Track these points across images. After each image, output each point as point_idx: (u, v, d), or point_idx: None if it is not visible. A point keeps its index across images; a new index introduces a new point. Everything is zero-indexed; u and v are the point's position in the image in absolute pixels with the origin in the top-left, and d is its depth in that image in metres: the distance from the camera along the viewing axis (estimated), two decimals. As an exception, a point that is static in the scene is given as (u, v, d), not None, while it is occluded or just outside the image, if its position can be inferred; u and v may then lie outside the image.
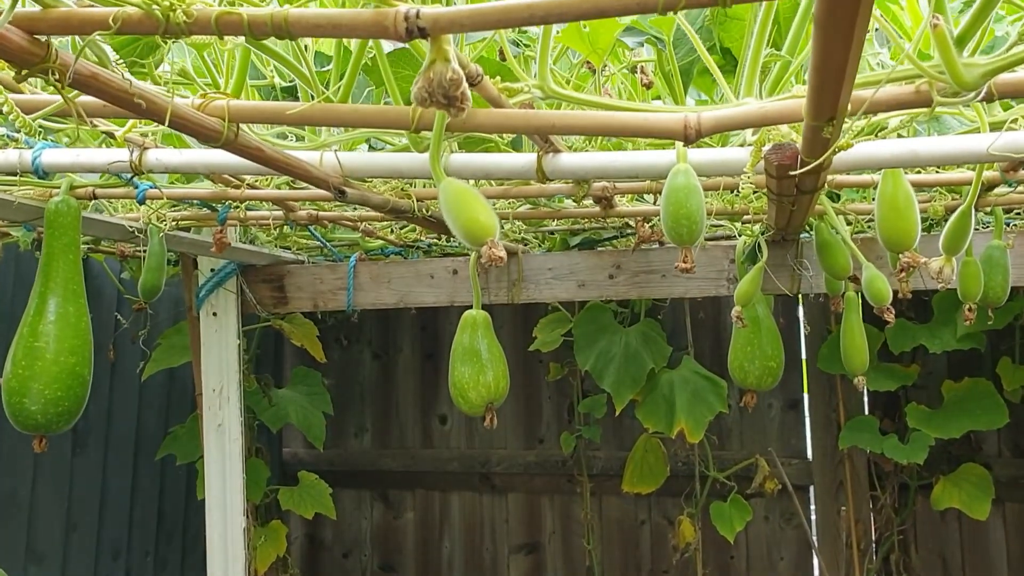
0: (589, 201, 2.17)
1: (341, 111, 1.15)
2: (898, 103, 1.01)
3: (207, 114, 1.16)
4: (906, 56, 0.92)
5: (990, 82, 1.00)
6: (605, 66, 1.98)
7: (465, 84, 0.79)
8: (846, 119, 1.15)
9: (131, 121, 1.42)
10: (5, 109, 0.95)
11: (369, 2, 0.81)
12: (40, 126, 1.67)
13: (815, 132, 0.96)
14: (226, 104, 1.16)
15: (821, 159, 0.95)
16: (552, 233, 2.99)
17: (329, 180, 1.48)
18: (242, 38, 1.21)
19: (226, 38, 1.22)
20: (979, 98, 0.97)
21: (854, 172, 1.69)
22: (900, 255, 1.51)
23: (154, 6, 0.82)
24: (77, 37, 0.99)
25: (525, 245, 3.00)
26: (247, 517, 2.87)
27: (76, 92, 0.96)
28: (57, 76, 0.88)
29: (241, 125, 1.35)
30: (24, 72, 0.86)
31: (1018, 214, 2.57)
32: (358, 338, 5.15)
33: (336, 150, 1.52)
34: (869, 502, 4.24)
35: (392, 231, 2.76)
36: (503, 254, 1.03)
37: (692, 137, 1.07)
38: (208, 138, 1.17)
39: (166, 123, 0.99)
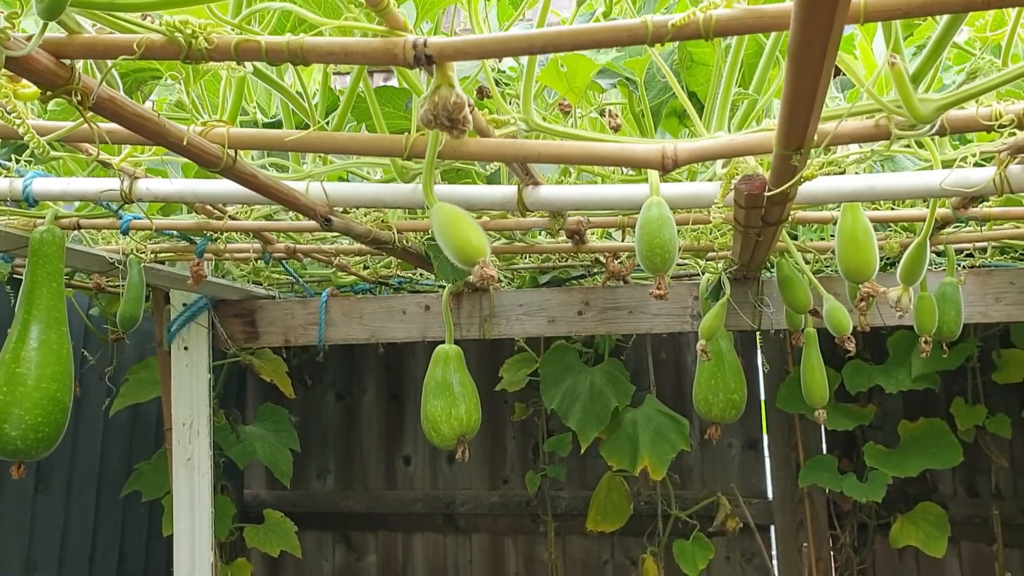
0: (563, 238, 2.25)
1: (339, 138, 1.22)
2: (860, 136, 1.10)
3: (209, 140, 1.22)
4: (867, 91, 1.01)
5: (943, 118, 1.09)
6: (575, 108, 2.08)
7: (467, 108, 0.86)
8: (812, 151, 1.23)
9: (126, 150, 1.47)
10: (21, 131, 0.99)
11: (376, 32, 0.87)
12: (32, 156, 1.71)
13: (784, 161, 1.04)
14: (226, 131, 1.21)
15: (789, 183, 1.03)
16: (521, 271, 3.06)
17: (316, 209, 1.53)
18: (238, 70, 1.28)
19: (225, 71, 1.29)
20: (933, 131, 1.06)
21: (814, 208, 1.78)
22: (860, 285, 1.60)
23: (177, 33, 0.88)
24: (93, 66, 1.05)
25: (498, 282, 3.07)
26: (215, 552, 2.87)
27: (92, 115, 1.01)
28: (79, 98, 0.93)
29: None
30: (49, 93, 0.91)
31: (969, 255, 2.69)
32: (322, 379, 5.16)
33: (322, 180, 1.58)
34: (829, 541, 4.32)
35: (366, 267, 2.81)
36: (495, 273, 1.09)
37: (669, 166, 1.14)
38: (209, 163, 1.22)
39: (185, 144, 1.04)
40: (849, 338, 1.86)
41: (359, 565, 5.06)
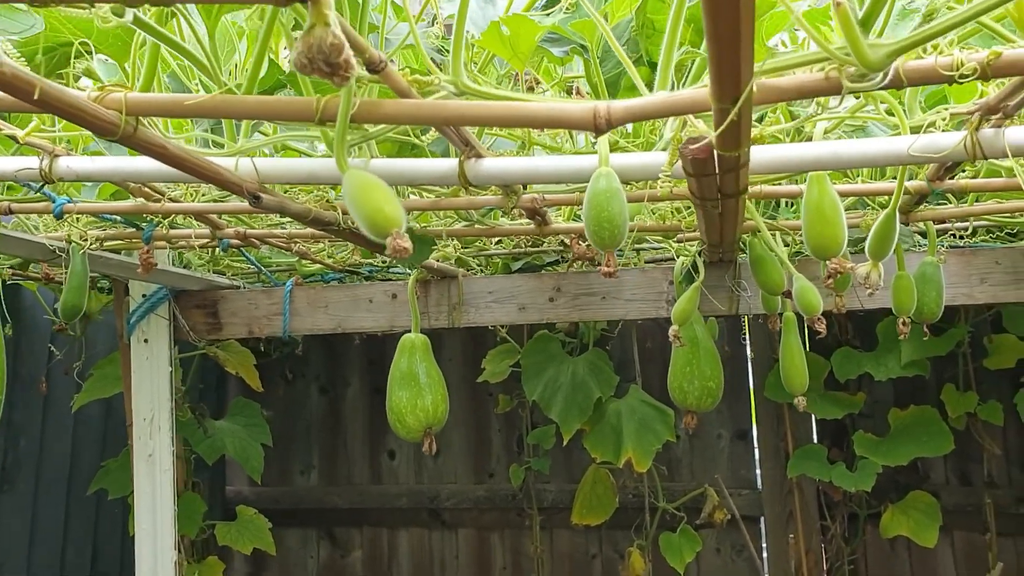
0: (527, 220, 2.15)
1: (247, 102, 1.12)
2: (808, 89, 0.99)
3: (104, 106, 1.12)
4: (809, 34, 0.91)
5: (899, 67, 0.99)
6: (538, 82, 1.97)
7: (348, 51, 0.76)
8: (764, 114, 1.13)
9: (34, 122, 1.37)
10: None
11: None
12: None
13: (723, 116, 0.94)
14: (123, 96, 1.11)
15: (723, 126, 0.93)
16: (493, 257, 2.96)
17: (243, 185, 1.43)
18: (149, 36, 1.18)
19: (138, 40, 1.19)
20: (886, 81, 0.96)
21: (778, 181, 1.68)
22: (827, 262, 1.50)
23: (23, -28, 0.78)
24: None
25: (469, 270, 2.97)
26: (178, 551, 2.77)
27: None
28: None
29: (155, 127, 1.31)
30: None
31: (953, 235, 2.59)
32: (304, 373, 5.06)
33: (252, 156, 1.48)
34: (819, 532, 4.22)
35: (330, 256, 2.71)
36: (408, 245, 0.99)
37: (602, 127, 1.04)
38: (105, 131, 1.12)
39: (38, 98, 0.94)
40: (820, 319, 1.76)
41: (344, 561, 4.97)
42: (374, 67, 1.03)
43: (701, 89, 1.03)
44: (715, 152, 1.14)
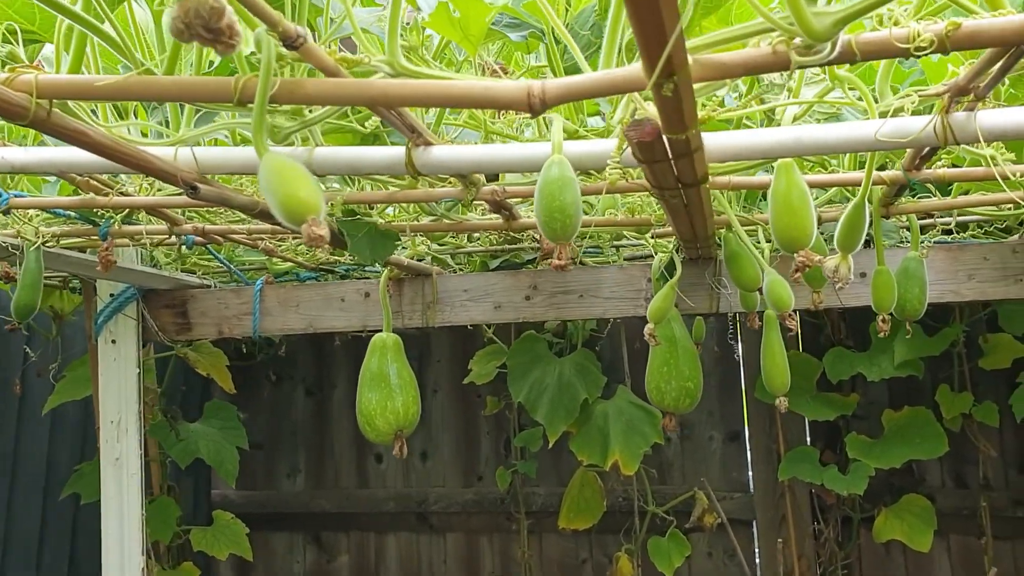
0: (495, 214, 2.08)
1: (161, 83, 1.05)
2: (754, 65, 0.92)
3: (14, 89, 1.05)
4: (749, 2, 0.84)
5: (851, 40, 0.92)
6: (506, 71, 1.90)
7: (230, 16, 0.69)
8: (705, 89, 1.06)
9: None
10: None
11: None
12: None
13: (659, 92, 0.87)
14: (34, 77, 1.05)
15: (663, 92, 0.86)
16: (473, 255, 2.89)
17: (178, 175, 1.36)
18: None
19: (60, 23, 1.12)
20: (836, 53, 0.89)
21: (751, 171, 1.61)
22: (795, 255, 1.43)
23: None
24: None
25: (445, 268, 2.90)
26: (147, 556, 2.70)
27: None
28: None
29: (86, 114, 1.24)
30: None
31: (942, 231, 2.52)
32: (291, 375, 4.98)
33: (192, 145, 1.41)
34: (812, 536, 4.14)
35: (298, 253, 2.64)
36: (324, 232, 0.92)
37: (536, 107, 0.97)
38: (14, 115, 1.05)
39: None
40: (791, 316, 1.68)
41: (330, 567, 4.90)
42: (291, 42, 0.96)
43: (638, 65, 0.96)
44: (663, 136, 1.08)
